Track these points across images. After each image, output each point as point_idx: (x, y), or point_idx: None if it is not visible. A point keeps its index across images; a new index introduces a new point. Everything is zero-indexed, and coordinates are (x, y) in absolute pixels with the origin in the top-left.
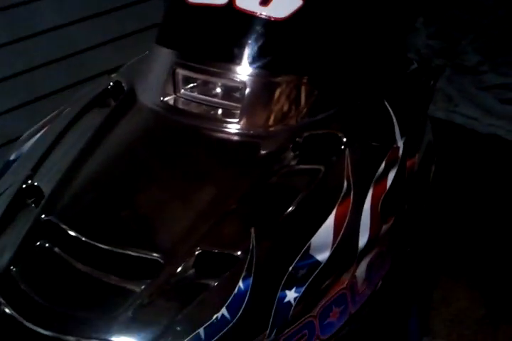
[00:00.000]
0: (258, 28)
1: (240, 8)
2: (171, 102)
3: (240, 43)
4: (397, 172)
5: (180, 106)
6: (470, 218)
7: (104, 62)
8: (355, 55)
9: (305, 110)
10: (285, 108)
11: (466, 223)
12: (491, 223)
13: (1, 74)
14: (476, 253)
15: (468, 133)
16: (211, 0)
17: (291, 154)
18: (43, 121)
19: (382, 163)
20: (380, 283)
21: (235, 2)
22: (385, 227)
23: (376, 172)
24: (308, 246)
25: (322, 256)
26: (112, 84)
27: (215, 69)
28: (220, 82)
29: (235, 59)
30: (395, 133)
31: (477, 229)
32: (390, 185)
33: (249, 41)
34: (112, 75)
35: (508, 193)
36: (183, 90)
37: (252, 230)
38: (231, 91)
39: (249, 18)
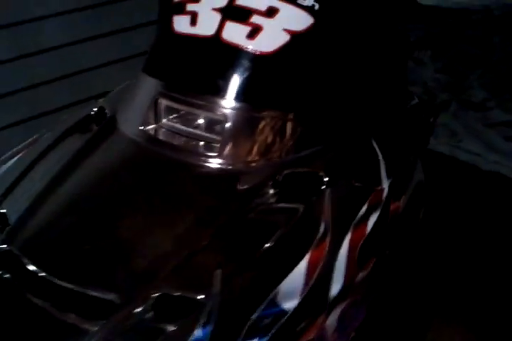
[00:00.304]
0: (243, 61)
1: (226, 41)
2: (152, 132)
3: (224, 76)
4: (379, 216)
5: (160, 136)
6: (467, 257)
7: (108, 81)
8: (342, 93)
9: (287, 147)
10: (267, 144)
11: (464, 263)
12: (489, 263)
13: (5, 89)
14: (471, 296)
15: (470, 169)
16: (198, 30)
17: (271, 191)
18: (21, 145)
19: (363, 205)
20: (352, 334)
21: (221, 34)
22: (361, 275)
23: (357, 215)
24: (276, 294)
25: (289, 305)
26: (95, 109)
27: (198, 101)
28: (202, 114)
29: (218, 91)
30: (380, 174)
31: (476, 270)
32: (371, 230)
33: (234, 74)
34: (99, 100)
35: (507, 233)
36: (164, 120)
37: (218, 273)
38: (213, 124)
39: (235, 51)
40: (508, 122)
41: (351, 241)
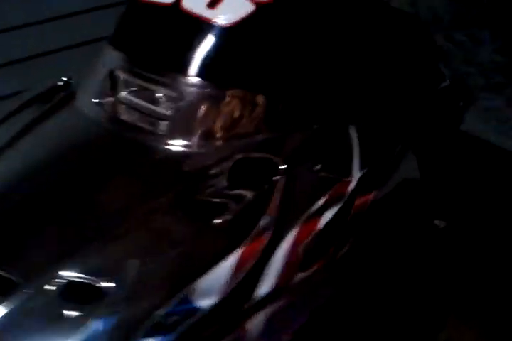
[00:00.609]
0: (202, 33)
1: (185, 10)
2: (105, 106)
3: (181, 49)
4: (338, 211)
5: (113, 111)
6: (487, 257)
7: None
8: (315, 74)
9: (244, 130)
10: (220, 125)
11: (485, 262)
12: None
13: None
14: (489, 296)
15: None
16: None
17: (221, 176)
18: None
19: (321, 197)
20: (287, 338)
21: (181, 2)
22: (301, 275)
23: (310, 208)
24: (192, 290)
25: (205, 303)
26: (62, 81)
27: (154, 76)
28: (158, 90)
29: (174, 66)
30: (352, 164)
31: (497, 269)
32: (324, 226)
33: (191, 47)
34: None
35: None
36: (121, 94)
37: (132, 263)
38: (166, 101)
39: (194, 21)
40: None
41: (296, 237)
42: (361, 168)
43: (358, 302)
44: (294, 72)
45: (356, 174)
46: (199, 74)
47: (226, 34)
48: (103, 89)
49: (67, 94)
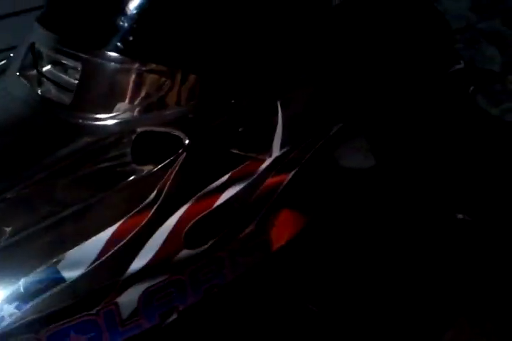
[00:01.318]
0: (108, 3)
1: None
2: (25, 79)
3: (92, 21)
4: (242, 190)
5: (31, 84)
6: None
7: None
8: (232, 47)
9: (149, 103)
10: (127, 98)
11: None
12: None
13: None
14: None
15: None
16: None
17: (123, 149)
18: None
19: (225, 175)
20: (172, 317)
21: None
22: (186, 252)
23: (209, 185)
24: (60, 259)
25: (72, 273)
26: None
27: (71, 51)
28: (71, 63)
29: (82, 38)
30: (272, 141)
31: None
32: (222, 204)
33: (101, 19)
34: None
35: None
36: (41, 68)
37: (6, 230)
38: (77, 75)
39: None
40: None
41: (186, 213)
42: (282, 146)
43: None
44: (210, 45)
45: (275, 152)
46: (109, 48)
47: (129, 3)
48: (25, 63)
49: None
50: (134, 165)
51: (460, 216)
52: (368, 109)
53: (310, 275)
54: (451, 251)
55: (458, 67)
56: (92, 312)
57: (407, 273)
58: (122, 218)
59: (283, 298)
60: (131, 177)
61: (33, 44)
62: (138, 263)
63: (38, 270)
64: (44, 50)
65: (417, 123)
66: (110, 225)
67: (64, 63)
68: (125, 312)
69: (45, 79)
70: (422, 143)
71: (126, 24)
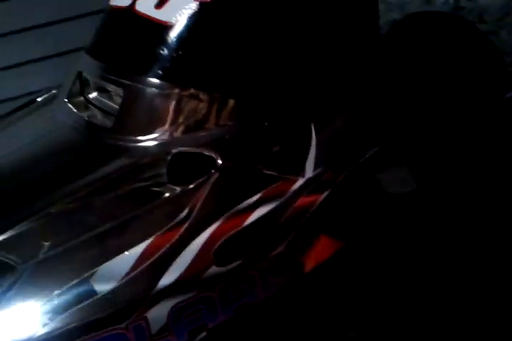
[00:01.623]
0: (149, 33)
1: (138, 12)
2: (72, 105)
3: (134, 49)
4: (272, 210)
5: (77, 109)
6: None
7: None
8: (264, 70)
9: (184, 125)
10: (162, 120)
11: None
12: None
13: None
14: None
15: None
16: (120, 2)
17: (160, 169)
18: None
19: (256, 194)
20: (202, 335)
21: (135, 5)
22: (215, 270)
23: (240, 204)
24: (93, 273)
25: (104, 287)
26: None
27: (114, 77)
28: (115, 89)
29: (125, 65)
30: (305, 162)
31: None
32: (251, 223)
33: (142, 47)
34: None
35: None
36: (87, 94)
37: (45, 245)
38: (119, 100)
39: (143, 21)
40: None
41: (217, 230)
42: (315, 167)
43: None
44: (248, 70)
45: (308, 174)
46: (150, 74)
47: (166, 32)
48: (73, 91)
49: (49, 96)
50: (168, 185)
51: None
52: (410, 134)
53: (350, 301)
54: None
55: (511, 94)
56: (121, 325)
57: (452, 303)
58: (152, 234)
59: (322, 324)
60: (165, 196)
61: (80, 73)
62: (168, 278)
63: (72, 283)
64: (91, 78)
65: (466, 149)
66: (142, 241)
67: (109, 90)
68: (154, 328)
69: (91, 105)
70: (470, 171)
71: (165, 51)
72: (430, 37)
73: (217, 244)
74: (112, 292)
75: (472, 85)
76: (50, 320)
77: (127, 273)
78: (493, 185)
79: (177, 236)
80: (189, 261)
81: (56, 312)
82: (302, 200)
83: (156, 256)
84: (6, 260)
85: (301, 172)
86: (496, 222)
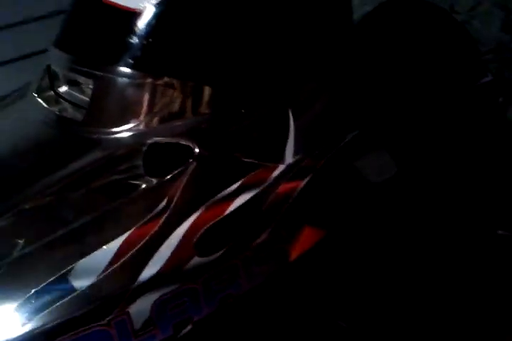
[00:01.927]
0: (117, 21)
1: None
2: (42, 99)
3: (102, 39)
4: (253, 197)
5: (48, 104)
6: None
7: None
8: (240, 56)
9: (158, 114)
10: (136, 110)
11: None
12: None
13: None
14: None
15: None
16: None
17: (134, 160)
18: None
19: (236, 182)
20: (187, 328)
21: None
22: (198, 260)
23: (219, 192)
24: (71, 269)
25: (82, 283)
26: None
27: (79, 67)
28: (84, 81)
29: (94, 55)
30: (284, 148)
31: None
32: (232, 212)
33: (111, 36)
34: None
35: None
36: (56, 88)
37: (18, 243)
38: (90, 92)
39: (111, 9)
40: None
41: (195, 222)
42: (295, 153)
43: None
44: (221, 56)
45: (287, 160)
46: (121, 64)
47: (136, 20)
48: (42, 85)
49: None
50: (145, 177)
51: (500, 232)
52: (389, 118)
53: (339, 291)
54: (490, 268)
55: (486, 79)
56: (103, 322)
57: (438, 289)
58: (129, 228)
59: (311, 313)
60: (142, 188)
61: (49, 66)
62: (149, 271)
63: (49, 280)
64: (60, 71)
65: (443, 133)
66: (121, 235)
67: (80, 83)
68: (138, 322)
69: (61, 99)
70: (448, 155)
71: (135, 40)
72: (404, 23)
73: (199, 234)
74: (91, 287)
75: (448, 70)
76: (29, 319)
77: (106, 268)
78: (472, 168)
79: (156, 228)
80: (170, 253)
81: (35, 311)
82: (283, 187)
83: (136, 248)
84: None
85: (280, 158)
86: (476, 207)
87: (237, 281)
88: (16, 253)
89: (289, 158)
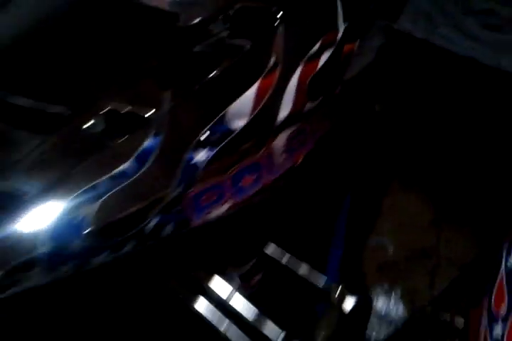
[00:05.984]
0: None
1: None
2: None
3: None
4: (331, 55)
5: None
6: (431, 129)
7: None
8: None
9: None
10: None
11: (427, 133)
12: (451, 135)
13: None
14: (430, 162)
15: (446, 55)
16: None
17: (222, 26)
18: None
19: (317, 42)
20: (300, 160)
21: None
22: (309, 105)
23: (309, 51)
24: (224, 114)
25: (237, 124)
26: None
27: None
28: None
29: None
30: (337, 17)
31: (435, 139)
32: (322, 66)
33: None
34: None
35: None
36: None
37: (168, 93)
38: None
39: None
40: (487, 10)
41: (302, 73)
42: (344, 21)
43: None
44: None
45: (341, 26)
46: None
47: None
48: None
49: None
50: (238, 38)
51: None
52: None
53: None
54: None
55: None
56: (258, 155)
57: None
58: (256, 79)
59: None
60: (243, 48)
61: None
62: (282, 112)
63: (210, 124)
64: None
65: None
66: (249, 85)
67: None
68: (276, 154)
69: None
70: None
71: None
72: None
73: (306, 85)
74: (246, 127)
75: None
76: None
77: (251, 111)
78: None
79: (276, 79)
80: (292, 97)
81: (208, 148)
82: (346, 48)
83: (267, 95)
84: None
85: (335, 25)
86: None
87: (324, 125)
88: (168, 103)
89: (341, 24)
